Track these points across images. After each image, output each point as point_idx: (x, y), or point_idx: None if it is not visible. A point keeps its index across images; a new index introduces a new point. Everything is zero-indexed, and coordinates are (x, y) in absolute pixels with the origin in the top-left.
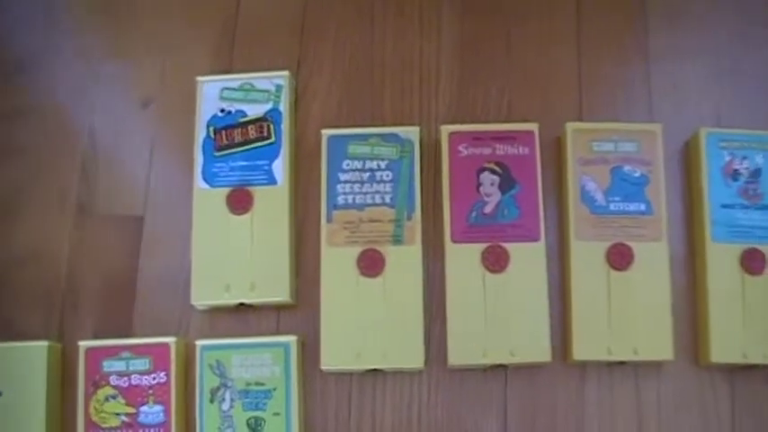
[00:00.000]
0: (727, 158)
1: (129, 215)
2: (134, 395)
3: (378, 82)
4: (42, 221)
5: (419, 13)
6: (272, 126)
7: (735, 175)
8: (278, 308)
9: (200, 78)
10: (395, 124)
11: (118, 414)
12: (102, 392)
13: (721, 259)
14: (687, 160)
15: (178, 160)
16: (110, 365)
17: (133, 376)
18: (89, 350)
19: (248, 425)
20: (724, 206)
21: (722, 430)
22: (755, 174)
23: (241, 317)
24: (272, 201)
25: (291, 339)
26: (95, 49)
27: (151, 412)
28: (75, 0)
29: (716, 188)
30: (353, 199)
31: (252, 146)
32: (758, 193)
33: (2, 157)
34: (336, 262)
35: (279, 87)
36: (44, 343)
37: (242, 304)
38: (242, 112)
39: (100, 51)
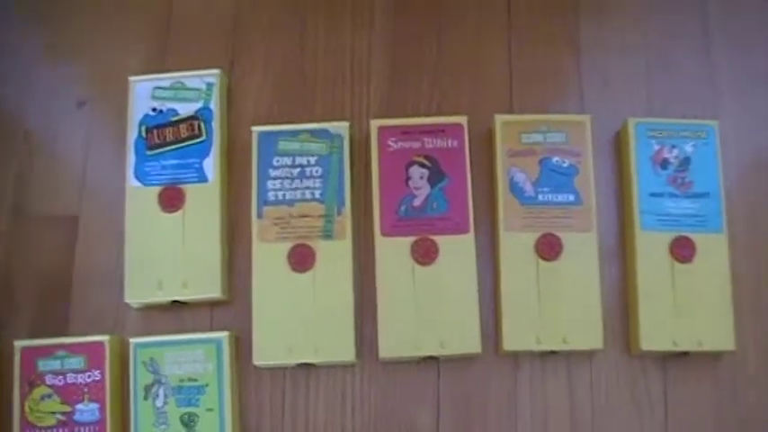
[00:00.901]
0: (657, 148)
1: (64, 215)
2: (69, 394)
3: (310, 79)
4: None
5: (351, 10)
6: (203, 124)
7: (664, 163)
8: (211, 304)
9: (132, 78)
10: (326, 120)
11: (53, 413)
12: (38, 392)
13: (650, 248)
14: (617, 150)
15: (112, 160)
16: (45, 365)
17: (68, 375)
18: (24, 350)
19: (182, 421)
20: (653, 195)
21: (655, 418)
22: (685, 162)
23: (175, 314)
24: (204, 198)
25: (224, 335)
26: (29, 50)
27: (86, 410)
28: (8, 2)
29: (645, 177)
30: (284, 195)
31: (183, 144)
32: (687, 182)
33: None
34: (267, 258)
35: (210, 86)
36: None
37: (175, 301)
38: (173, 110)
39: (33, 52)
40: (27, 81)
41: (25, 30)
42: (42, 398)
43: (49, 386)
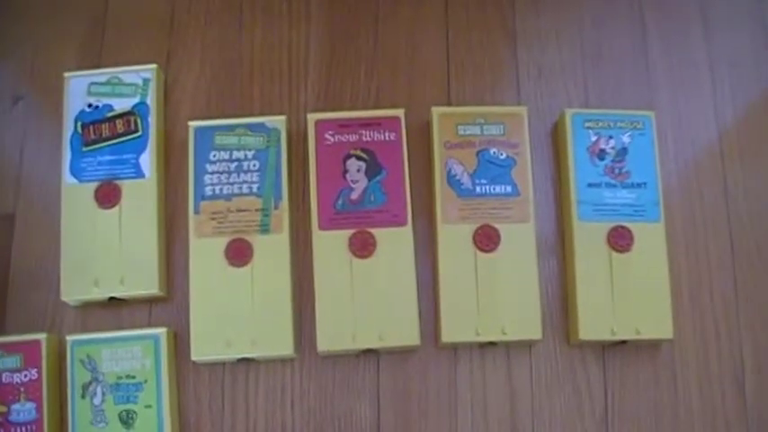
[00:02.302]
0: (594, 138)
1: None
2: (5, 393)
3: (246, 73)
4: None
5: (287, 3)
6: (139, 120)
7: (601, 154)
8: (150, 301)
9: (66, 74)
10: (264, 114)
11: None
12: None
13: (588, 238)
14: (554, 141)
15: (48, 156)
16: None
17: (4, 374)
18: None
19: (120, 418)
20: (590, 185)
21: (595, 406)
22: (622, 153)
23: (113, 311)
24: (140, 194)
25: (161, 331)
26: None
27: (23, 410)
28: None
29: (582, 168)
30: (221, 189)
31: (119, 140)
32: (624, 172)
33: None
34: (204, 252)
35: (146, 81)
36: None
37: (113, 298)
38: (109, 106)
39: None
40: None
41: None
42: None
43: None
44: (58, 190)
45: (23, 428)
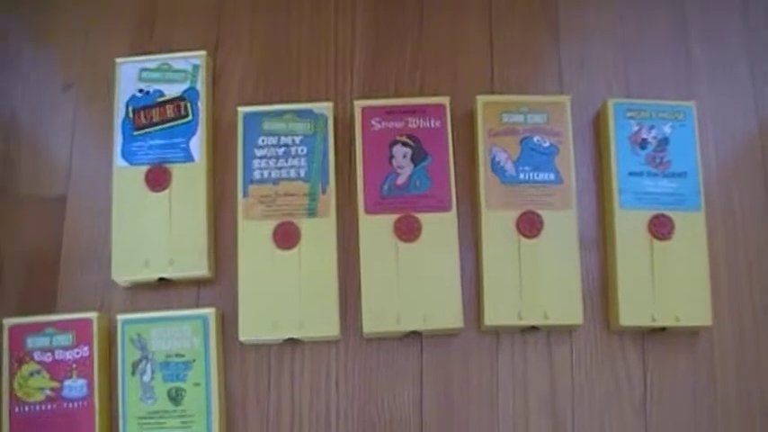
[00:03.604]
0: (635, 128)
1: (51, 196)
2: (57, 370)
3: (294, 60)
4: None
5: None
6: (189, 105)
7: (643, 143)
8: (197, 282)
9: (118, 60)
10: (310, 101)
11: (42, 389)
12: (27, 368)
13: (629, 225)
14: (596, 131)
15: (99, 140)
16: (33, 342)
17: (56, 351)
18: (13, 327)
19: (169, 395)
20: (632, 174)
21: (634, 392)
22: (663, 143)
23: (161, 292)
24: (190, 177)
25: (210, 311)
26: (15, 33)
27: (75, 386)
28: None
29: (624, 157)
30: (269, 174)
31: (169, 124)
32: (665, 162)
33: None
34: (253, 235)
35: (196, 67)
36: None
37: (162, 279)
38: (159, 91)
39: (19, 36)
40: (13, 64)
41: (12, 13)
42: (31, 374)
43: (38, 363)
44: (109, 173)
45: (75, 404)
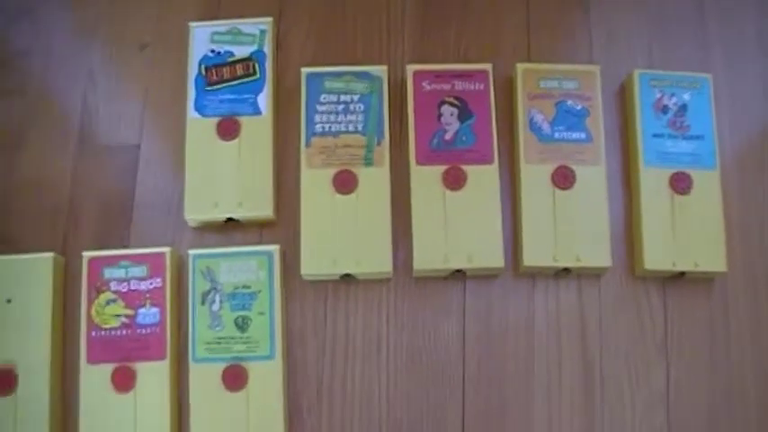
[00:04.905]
0: (658, 95)
1: (126, 144)
2: (132, 299)
3: (350, 28)
4: (47, 150)
5: None
6: (256, 65)
7: (664, 109)
8: (260, 225)
9: (192, 24)
10: (365, 64)
11: (118, 316)
12: (104, 297)
13: (652, 181)
14: (622, 97)
15: (171, 95)
16: (110, 273)
17: (132, 282)
18: (91, 260)
19: (236, 323)
20: (655, 136)
21: (656, 331)
22: (682, 108)
23: (227, 233)
24: (257, 128)
25: (274, 248)
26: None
27: (148, 314)
28: None
29: (647, 120)
30: (329, 127)
31: (239, 81)
32: (684, 126)
33: (10, 94)
34: (314, 181)
35: (263, 32)
36: (49, 254)
37: (229, 220)
38: (230, 52)
39: (97, 2)
40: (92, 28)
41: None
42: (107, 302)
43: (114, 292)
44: (180, 124)
45: (148, 329)
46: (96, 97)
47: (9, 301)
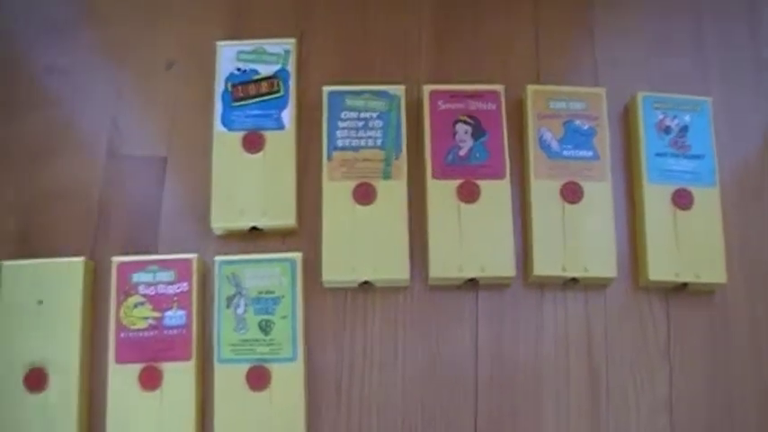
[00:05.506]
0: (660, 117)
1: (154, 156)
2: (160, 302)
3: (369, 49)
4: (78, 161)
5: None
6: (280, 82)
7: (667, 130)
8: (282, 234)
9: (219, 43)
10: (383, 83)
11: (145, 318)
12: (132, 300)
13: (656, 197)
14: (627, 118)
15: (197, 110)
16: (138, 277)
17: (159, 286)
18: (120, 264)
19: (259, 326)
20: (657, 154)
21: (659, 340)
22: (684, 129)
23: (250, 241)
24: (281, 142)
25: (297, 255)
26: (118, 18)
27: (175, 316)
28: None
29: (651, 140)
30: (350, 142)
31: (263, 98)
32: (686, 145)
33: (43, 106)
34: (335, 193)
35: (287, 52)
36: (80, 259)
37: (253, 229)
38: (255, 70)
39: (124, 21)
40: (122, 43)
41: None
42: (135, 305)
43: (142, 295)
44: (205, 138)
45: (175, 331)
46: (125, 111)
47: (40, 302)
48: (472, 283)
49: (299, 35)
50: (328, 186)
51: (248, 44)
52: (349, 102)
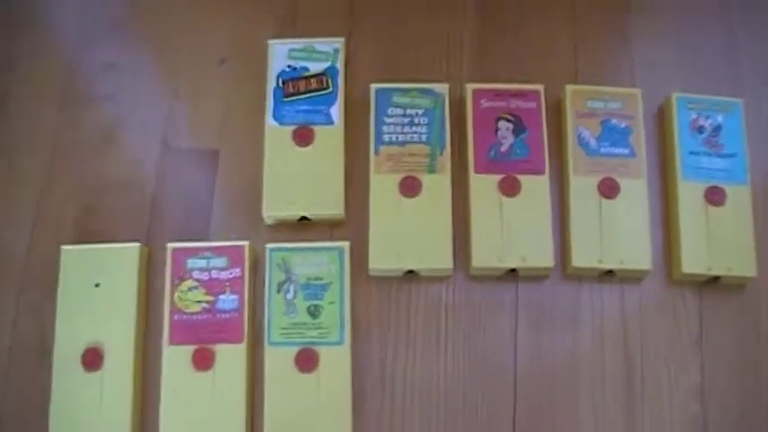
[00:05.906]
0: (694, 116)
1: (207, 148)
2: (213, 286)
3: (414, 48)
4: (134, 152)
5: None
6: (329, 79)
7: (700, 129)
8: (330, 224)
9: (270, 41)
10: (427, 82)
11: (199, 302)
12: (186, 284)
13: (689, 193)
14: (662, 117)
15: (249, 105)
16: (193, 263)
17: (212, 271)
18: (175, 250)
19: (308, 311)
20: (691, 153)
21: (691, 331)
22: (716, 129)
23: (300, 231)
24: (330, 137)
25: (345, 244)
26: (174, 17)
27: (228, 300)
28: None
29: (684, 139)
30: (396, 137)
31: (313, 94)
32: (718, 144)
33: (101, 100)
34: (382, 186)
35: (336, 50)
36: (136, 244)
37: (302, 219)
38: (305, 68)
39: (174, 21)
40: (176, 40)
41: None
42: (189, 289)
43: (196, 280)
44: (256, 131)
45: (227, 314)
46: (179, 105)
47: (97, 285)
48: (512, 273)
49: (348, 34)
50: (375, 179)
51: (299, 42)
52: (396, 99)
